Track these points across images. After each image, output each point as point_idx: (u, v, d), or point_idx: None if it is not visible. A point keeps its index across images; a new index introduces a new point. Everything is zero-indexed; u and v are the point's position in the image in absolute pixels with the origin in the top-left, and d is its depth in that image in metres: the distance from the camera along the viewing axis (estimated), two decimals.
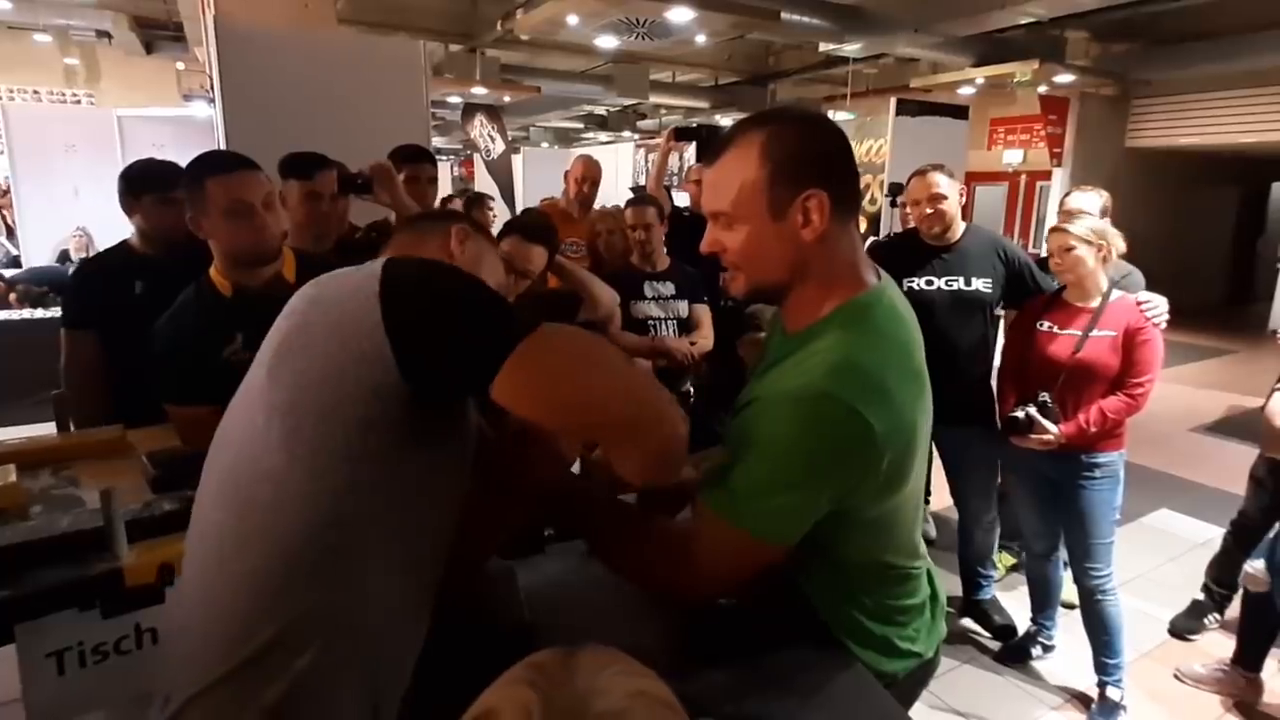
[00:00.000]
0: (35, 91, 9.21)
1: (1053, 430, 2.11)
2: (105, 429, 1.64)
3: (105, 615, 1.14)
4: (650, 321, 2.75)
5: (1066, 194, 2.84)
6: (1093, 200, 2.70)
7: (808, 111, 0.96)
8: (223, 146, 2.71)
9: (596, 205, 3.56)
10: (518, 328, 0.76)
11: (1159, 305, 2.14)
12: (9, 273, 5.70)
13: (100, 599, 1.14)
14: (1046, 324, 2.20)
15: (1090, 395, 2.12)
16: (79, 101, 9.28)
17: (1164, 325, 2.14)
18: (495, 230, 2.19)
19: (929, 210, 2.37)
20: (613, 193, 11.31)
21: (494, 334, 0.76)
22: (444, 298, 0.77)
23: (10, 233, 7.00)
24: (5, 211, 7.09)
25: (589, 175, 3.42)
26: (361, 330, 0.73)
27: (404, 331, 0.73)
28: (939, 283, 2.39)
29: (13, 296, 5.00)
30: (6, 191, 6.80)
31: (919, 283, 2.40)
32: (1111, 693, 2.22)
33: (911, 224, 3.24)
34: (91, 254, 5.78)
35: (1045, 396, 2.13)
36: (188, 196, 1.60)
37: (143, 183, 2.06)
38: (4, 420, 2.75)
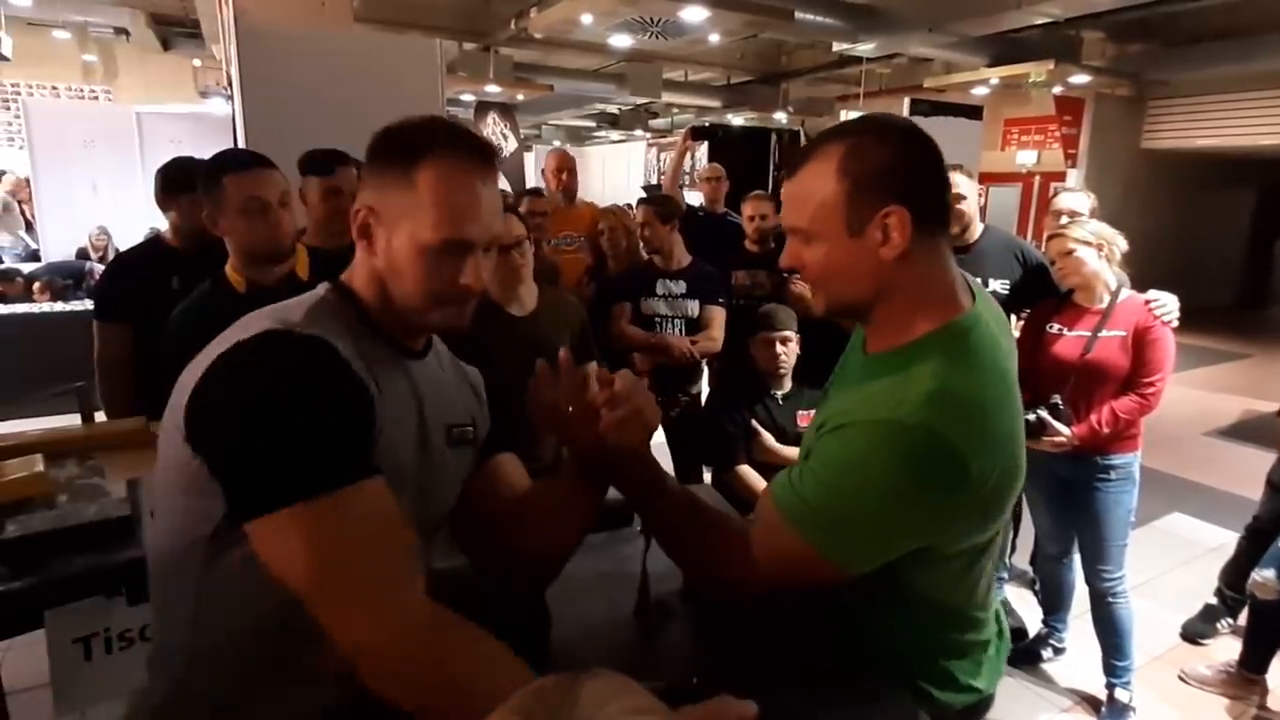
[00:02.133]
0: (54, 87, 9.32)
1: (1065, 432, 2.10)
2: (129, 420, 1.68)
3: (131, 602, 1.17)
4: (657, 319, 2.77)
5: (1054, 195, 2.83)
6: (1081, 200, 2.68)
7: (893, 121, 0.90)
8: (241, 142, 2.74)
9: (605, 203, 3.61)
10: (315, 480, 0.71)
11: (1169, 304, 2.12)
12: (28, 267, 5.78)
13: (126, 586, 1.17)
14: (1055, 326, 2.19)
15: (1101, 396, 2.11)
16: (97, 98, 9.38)
17: (1175, 324, 2.12)
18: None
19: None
20: (624, 191, 11.32)
21: (276, 477, 0.72)
22: (244, 419, 0.73)
23: (29, 227, 7.10)
24: (25, 206, 7.19)
25: (563, 165, 3.52)
26: (177, 428, 0.76)
27: (200, 437, 0.75)
28: None
29: (36, 287, 5.06)
30: (26, 185, 6.89)
31: None
32: (1120, 694, 2.22)
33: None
34: (112, 252, 5.85)
35: (1056, 399, 2.12)
36: (205, 193, 1.62)
37: (181, 181, 2.08)
38: (29, 411, 2.79)
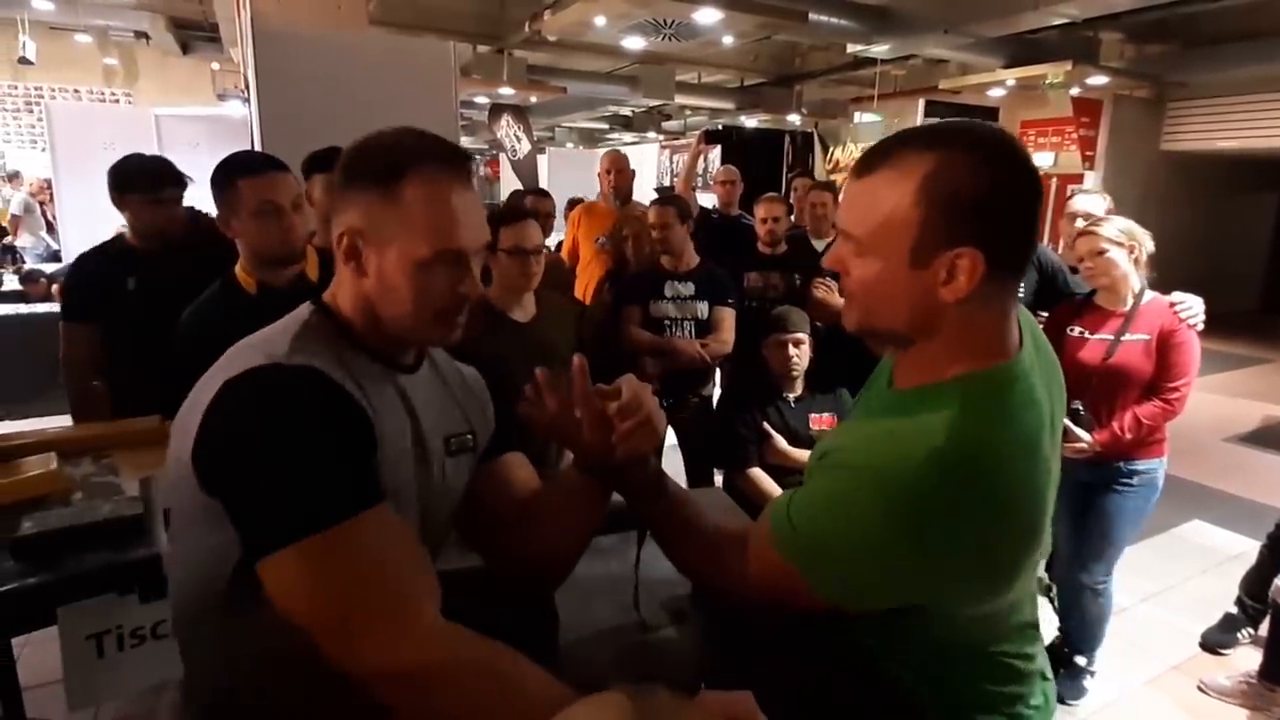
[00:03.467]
0: (76, 90, 9.45)
1: (1086, 439, 2.06)
2: (144, 418, 1.69)
3: (143, 600, 1.18)
4: (666, 321, 2.76)
5: (1069, 197, 2.80)
6: (1097, 202, 2.65)
7: (996, 139, 0.75)
8: (257, 144, 2.76)
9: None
10: (318, 515, 0.70)
11: (1194, 306, 2.07)
12: (49, 267, 5.86)
13: (139, 583, 1.17)
14: (1077, 329, 2.15)
15: (1124, 401, 2.07)
16: (118, 100, 9.51)
17: (1200, 327, 2.08)
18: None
19: None
20: (637, 193, 11.30)
21: (281, 514, 0.71)
22: (248, 460, 0.73)
23: (51, 228, 7.20)
24: (46, 207, 7.29)
25: (614, 165, 3.52)
26: (186, 448, 0.76)
27: (210, 478, 0.75)
28: None
29: (55, 288, 5.13)
30: (48, 187, 6.99)
31: None
32: (1079, 659, 2.26)
33: None
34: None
35: (1078, 404, 2.08)
36: (218, 195, 1.63)
37: (130, 182, 2.08)
38: (47, 409, 2.83)
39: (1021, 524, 0.75)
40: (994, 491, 0.73)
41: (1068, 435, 2.07)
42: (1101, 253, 2.06)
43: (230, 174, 1.62)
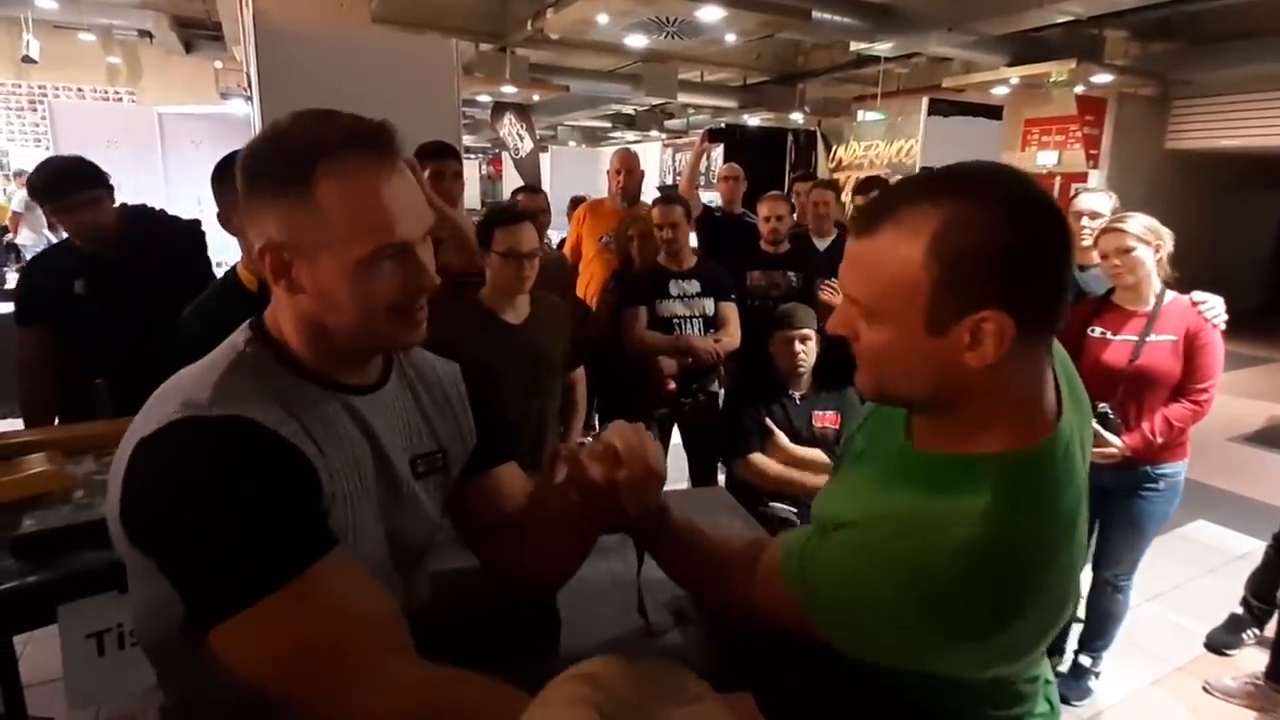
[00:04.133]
0: (80, 89, 9.47)
1: (1116, 444, 2.00)
2: None
3: None
4: (676, 320, 2.75)
5: (1074, 196, 2.77)
6: (1102, 200, 2.63)
7: (1010, 180, 0.66)
8: None
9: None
10: (262, 579, 0.65)
11: (1216, 305, 2.03)
12: None
13: None
14: (1098, 329, 2.10)
15: (1152, 404, 2.02)
16: (121, 99, 9.52)
17: (1223, 326, 2.04)
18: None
19: None
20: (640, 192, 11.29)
21: (219, 584, 0.65)
22: (175, 528, 0.66)
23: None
24: None
25: (625, 165, 3.50)
26: (114, 503, 0.71)
27: (140, 542, 0.69)
28: None
29: None
30: None
31: None
32: (1084, 659, 2.27)
33: None
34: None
35: (1106, 408, 2.02)
36: (219, 193, 1.62)
37: (36, 193, 2.06)
38: None
39: (1051, 605, 0.70)
40: (1027, 583, 0.67)
41: (1097, 440, 2.02)
42: (1128, 250, 2.01)
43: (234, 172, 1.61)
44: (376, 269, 0.73)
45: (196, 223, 2.46)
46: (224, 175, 1.62)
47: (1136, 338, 2.03)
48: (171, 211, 2.49)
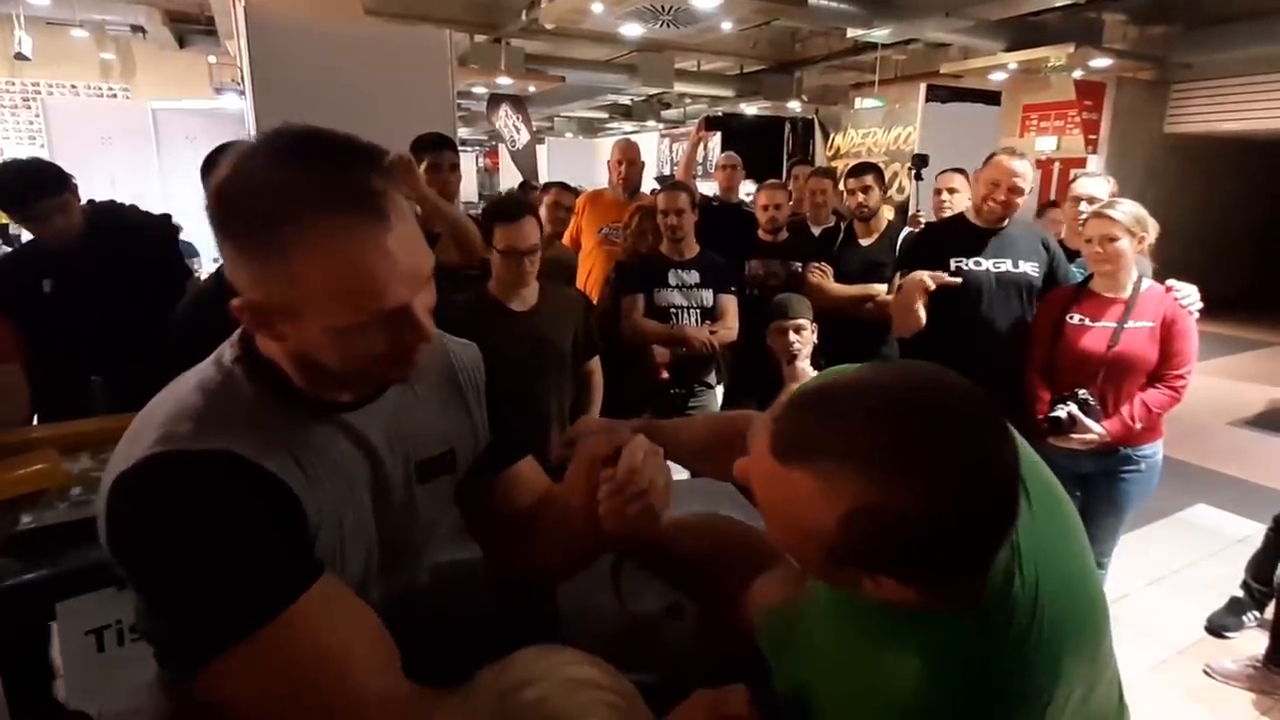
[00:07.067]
0: (73, 86, 9.41)
1: (1097, 430, 2.05)
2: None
3: None
4: (673, 310, 2.74)
5: (1073, 180, 2.78)
6: (1101, 186, 2.64)
7: (957, 451, 0.56)
8: (253, 137, 2.74)
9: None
10: (245, 617, 0.63)
11: (1191, 294, 2.09)
12: None
13: None
14: (1076, 316, 2.14)
15: (1129, 389, 2.07)
16: (115, 95, 9.47)
17: (1197, 315, 2.09)
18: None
19: (1001, 198, 2.31)
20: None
21: (203, 624, 0.64)
22: (156, 567, 0.65)
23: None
24: None
25: (626, 156, 3.50)
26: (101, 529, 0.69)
27: (127, 574, 0.68)
28: (987, 264, 2.36)
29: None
30: None
31: (968, 263, 2.36)
32: None
33: (947, 213, 3.20)
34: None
35: (1086, 394, 2.06)
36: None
37: (3, 202, 2.05)
38: None
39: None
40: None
41: (1077, 427, 2.06)
42: (1113, 240, 2.04)
43: None
44: (366, 334, 0.67)
45: (167, 218, 2.45)
46: (205, 172, 1.61)
47: (1115, 324, 2.07)
48: (167, 208, 2.49)
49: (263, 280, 0.65)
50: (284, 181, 0.63)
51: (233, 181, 0.64)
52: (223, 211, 0.65)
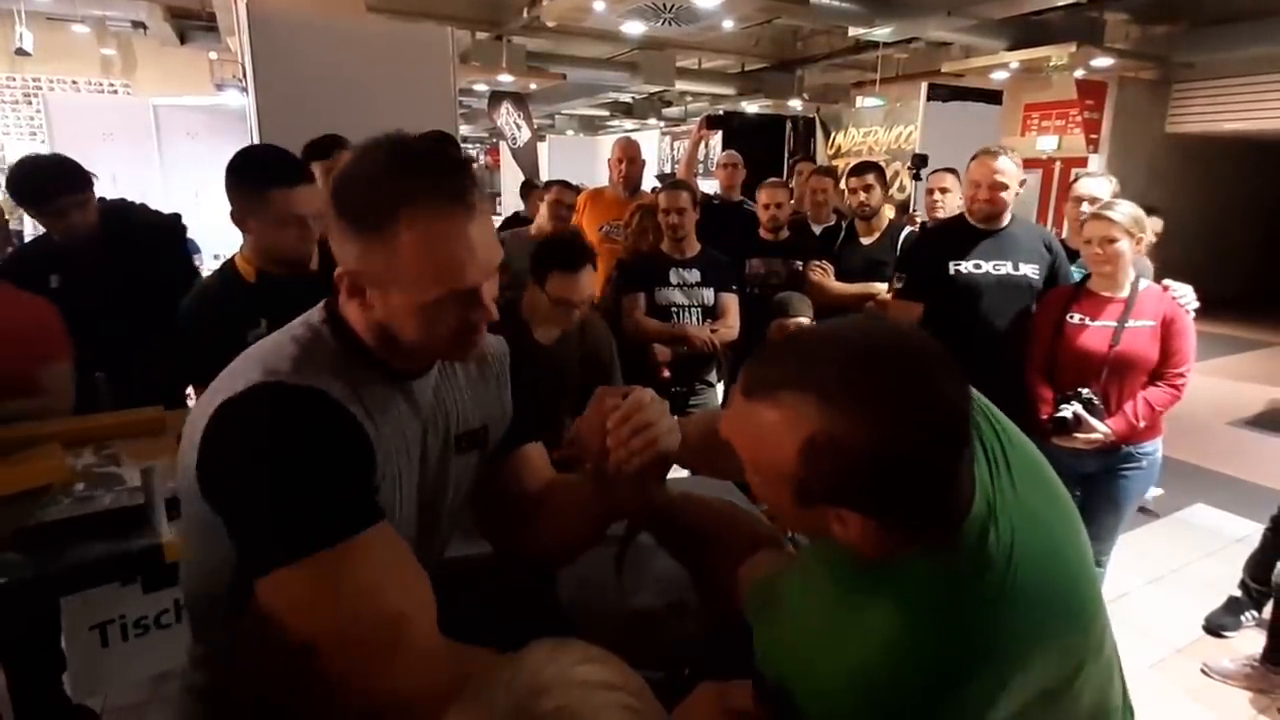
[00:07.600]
0: (74, 82, 9.40)
1: (1102, 429, 2.06)
2: (145, 409, 1.69)
3: (146, 589, 1.18)
4: (674, 308, 2.74)
5: (1074, 180, 2.79)
6: (1103, 185, 2.65)
7: (912, 382, 0.60)
8: (255, 133, 2.75)
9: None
10: (314, 536, 0.71)
11: (1188, 293, 2.12)
12: None
13: (141, 573, 1.17)
14: (1077, 316, 2.15)
15: (1131, 388, 2.08)
16: (116, 91, 9.46)
17: (1194, 314, 2.12)
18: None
19: (984, 197, 2.32)
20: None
21: (277, 535, 0.71)
22: (246, 480, 0.73)
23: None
24: None
25: (626, 154, 3.50)
26: (192, 460, 0.76)
27: (211, 495, 0.75)
28: (986, 266, 2.36)
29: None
30: None
31: (967, 266, 2.37)
32: None
33: (939, 213, 3.21)
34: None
35: (1090, 394, 2.08)
36: (241, 194, 1.60)
37: (22, 196, 2.07)
38: None
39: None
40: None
41: (1082, 426, 2.07)
42: (1112, 241, 2.06)
43: (262, 180, 1.58)
44: (442, 309, 0.78)
45: (177, 217, 2.45)
46: (252, 181, 1.59)
47: (1115, 323, 2.09)
48: (169, 204, 2.49)
49: (366, 254, 0.77)
50: (396, 173, 0.75)
51: (355, 168, 0.77)
52: (344, 194, 0.77)
